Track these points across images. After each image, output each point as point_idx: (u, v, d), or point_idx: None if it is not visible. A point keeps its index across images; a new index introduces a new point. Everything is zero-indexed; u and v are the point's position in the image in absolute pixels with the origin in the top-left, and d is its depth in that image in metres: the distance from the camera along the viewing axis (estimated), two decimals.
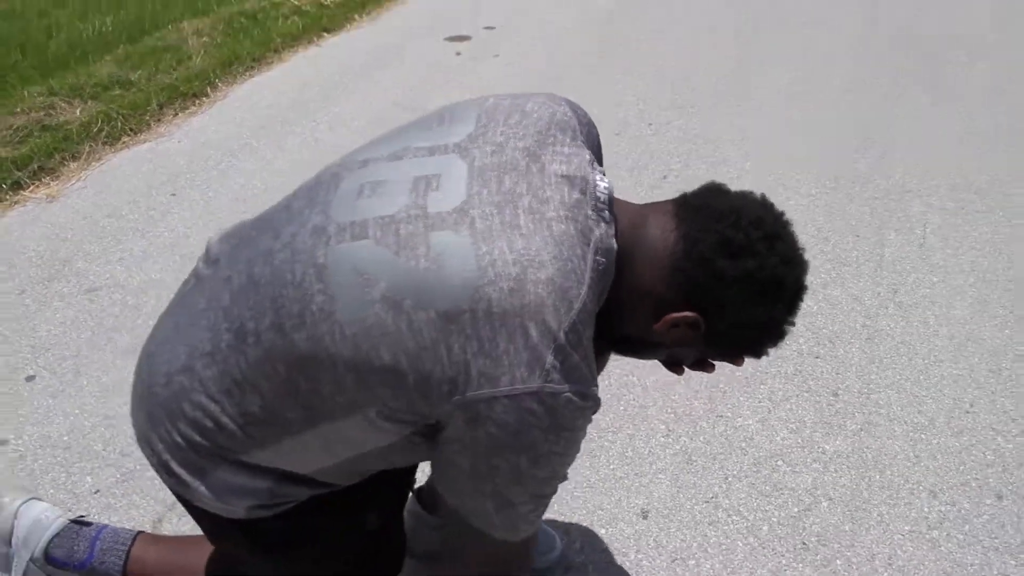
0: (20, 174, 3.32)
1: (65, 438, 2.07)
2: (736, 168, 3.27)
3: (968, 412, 2.11)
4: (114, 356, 2.35)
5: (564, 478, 1.00)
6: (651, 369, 2.22)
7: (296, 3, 5.23)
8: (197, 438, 1.01)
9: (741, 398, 2.16)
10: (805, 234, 2.49)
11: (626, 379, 2.22)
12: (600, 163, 1.07)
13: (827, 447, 2.01)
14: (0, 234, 3.00)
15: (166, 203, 3.14)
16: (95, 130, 3.65)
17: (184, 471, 1.03)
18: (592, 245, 0.93)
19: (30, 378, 2.28)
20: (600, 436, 2.04)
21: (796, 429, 2.07)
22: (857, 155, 3.38)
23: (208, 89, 4.13)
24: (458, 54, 4.56)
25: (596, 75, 4.25)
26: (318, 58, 4.56)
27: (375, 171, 1.00)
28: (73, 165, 3.45)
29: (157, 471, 1.08)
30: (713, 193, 1.01)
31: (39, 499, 1.61)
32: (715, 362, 1.13)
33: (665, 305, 0.99)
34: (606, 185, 0.98)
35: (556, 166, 0.97)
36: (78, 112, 3.79)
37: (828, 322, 2.42)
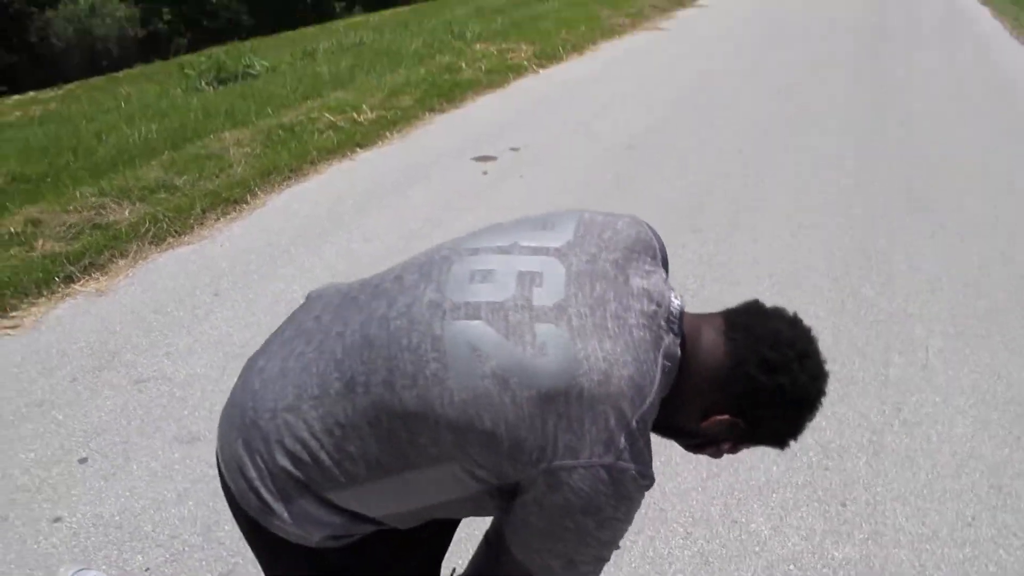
0: (72, 268, 3.52)
1: (117, 518, 2.20)
2: (749, 290, 3.46)
3: (970, 525, 2.23)
4: (162, 443, 2.49)
5: (618, 546, 1.14)
6: (670, 475, 2.36)
7: (331, 119, 5.53)
8: (292, 469, 1.15)
9: (755, 505, 2.29)
10: None
11: None
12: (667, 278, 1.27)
13: (836, 554, 2.13)
14: (52, 324, 3.18)
15: (209, 303, 3.32)
16: (142, 230, 3.87)
17: (271, 496, 1.17)
18: (662, 351, 1.10)
19: (83, 460, 2.42)
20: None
21: (807, 536, 2.19)
22: (861, 281, 3.57)
23: (248, 196, 4.37)
24: (484, 173, 4.82)
25: (614, 198, 4.49)
26: (352, 172, 4.82)
27: (485, 261, 1.17)
28: (121, 262, 3.65)
29: (240, 496, 1.20)
30: (754, 313, 1.19)
31: (92, 569, 1.73)
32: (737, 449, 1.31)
33: (711, 407, 1.16)
34: (679, 303, 1.16)
35: (638, 280, 1.15)
36: (127, 213, 4.02)
37: (836, 436, 2.56)
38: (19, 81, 25.09)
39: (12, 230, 3.82)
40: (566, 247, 1.17)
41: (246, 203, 4.33)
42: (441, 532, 1.39)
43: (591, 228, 1.21)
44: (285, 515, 1.18)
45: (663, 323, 1.12)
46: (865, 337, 3.12)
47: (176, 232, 3.94)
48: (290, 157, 4.85)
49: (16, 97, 20.22)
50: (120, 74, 22.17)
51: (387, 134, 5.48)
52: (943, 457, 2.48)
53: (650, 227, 1.27)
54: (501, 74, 7.19)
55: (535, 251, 1.17)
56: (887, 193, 4.65)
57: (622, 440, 1.05)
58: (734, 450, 1.26)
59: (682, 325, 1.14)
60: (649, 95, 6.90)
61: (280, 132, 5.29)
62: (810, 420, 1.20)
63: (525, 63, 7.68)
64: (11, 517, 2.20)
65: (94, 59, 27.17)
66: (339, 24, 25.89)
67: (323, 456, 1.14)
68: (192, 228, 4.01)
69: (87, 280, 3.51)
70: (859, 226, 4.17)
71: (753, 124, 6.03)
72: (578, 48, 8.72)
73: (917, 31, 11.14)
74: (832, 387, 2.68)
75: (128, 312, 3.26)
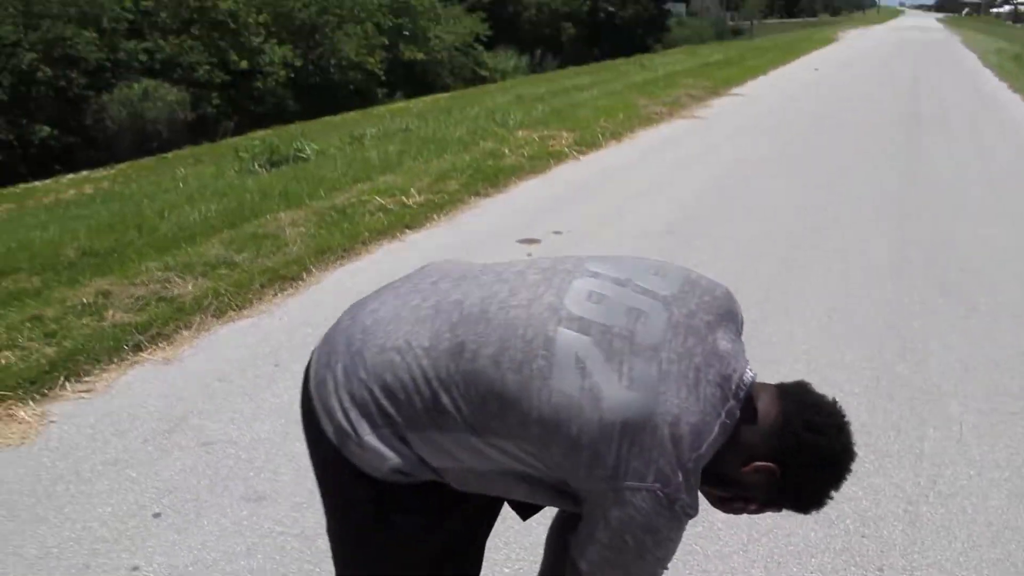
0: (140, 338, 3.73)
1: (190, 568, 2.34)
2: (787, 368, 3.58)
3: None
4: (231, 501, 2.64)
5: (666, 568, 1.31)
6: (713, 539, 2.47)
7: (381, 201, 5.79)
8: (384, 402, 1.33)
9: (794, 568, 2.38)
10: None
11: (690, 547, 2.45)
12: None
13: None
14: (123, 389, 3.37)
15: (270, 372, 3.50)
16: (205, 304, 4.08)
17: (356, 420, 1.34)
18: (725, 410, 1.29)
19: (156, 515, 2.57)
20: None
21: None
22: (895, 360, 3.68)
23: (304, 274, 4.59)
24: (529, 255, 5.01)
25: None
26: (402, 252, 5.04)
27: (602, 286, 1.35)
28: (186, 333, 3.86)
29: (325, 415, 1.38)
30: (803, 387, 1.41)
31: None
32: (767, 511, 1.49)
33: (755, 456, 1.34)
34: (751, 375, 1.35)
35: (723, 344, 1.34)
36: (190, 287, 4.24)
37: (872, 506, 2.65)
38: (73, 161, 26.08)
39: (84, 301, 4.04)
40: (671, 297, 1.36)
41: (302, 280, 4.54)
42: (489, 508, 1.55)
43: (695, 287, 1.41)
44: (364, 439, 1.35)
45: (733, 387, 1.30)
46: (900, 412, 3.22)
47: (237, 306, 4.14)
48: (343, 237, 5.08)
49: (70, 176, 20.97)
50: (169, 155, 22.94)
51: (435, 217, 5.72)
52: (978, 527, 2.57)
53: (738, 303, 1.48)
54: (543, 160, 7.46)
55: (645, 292, 1.35)
56: (920, 276, 4.77)
57: (680, 475, 1.23)
58: (758, 510, 1.43)
59: (748, 393, 1.33)
60: (686, 182, 7.11)
61: (333, 213, 5.54)
62: (834, 489, 1.38)
63: (566, 150, 7.96)
64: (92, 566, 2.35)
65: (144, 140, 28.10)
66: (381, 109, 26.62)
67: (417, 399, 1.32)
68: (252, 302, 4.21)
69: (154, 349, 3.71)
70: (892, 308, 4.29)
71: (787, 211, 6.20)
72: (617, 136, 9.01)
73: (948, 118, 11.34)
74: (868, 459, 2.81)
75: (194, 379, 3.44)
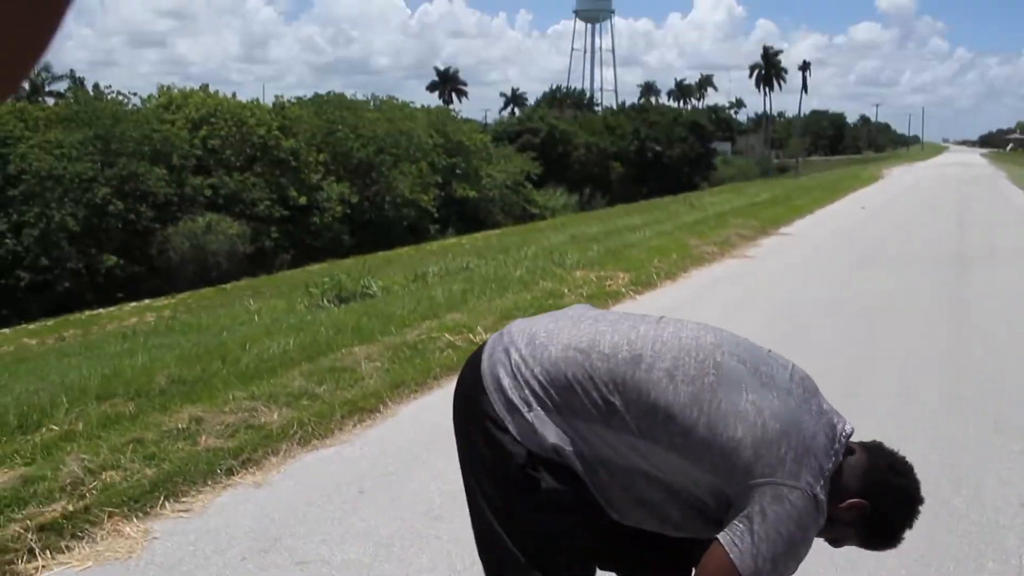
0: (232, 462, 4.00)
1: None
2: None
3: None
4: None
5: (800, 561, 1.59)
6: None
7: (449, 338, 6.10)
8: (559, 391, 1.63)
9: None
10: (907, 559, 2.93)
11: None
12: None
13: None
14: (218, 510, 3.62)
15: (355, 498, 3.74)
16: (290, 432, 4.36)
17: (529, 398, 1.65)
18: (834, 451, 1.63)
19: None
20: None
21: None
22: (951, 494, 3.81)
23: (381, 406, 4.87)
24: None
25: None
26: None
27: (739, 350, 1.73)
28: (274, 459, 4.13)
29: (494, 391, 1.70)
30: (880, 444, 1.81)
31: None
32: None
33: (849, 494, 1.65)
34: (851, 428, 1.71)
35: (825, 404, 1.71)
36: (275, 416, 4.53)
37: None
38: (136, 289, 27.13)
39: (179, 426, 4.34)
40: (787, 365, 1.75)
41: (379, 412, 4.81)
42: (617, 538, 1.83)
43: (796, 368, 1.78)
44: (531, 414, 1.65)
45: (838, 434, 1.67)
46: (958, 545, 3.35)
47: (320, 435, 4.42)
48: (415, 372, 5.38)
49: (133, 304, 21.84)
50: (228, 286, 23.80)
51: None
52: None
53: None
54: (600, 299, 7.77)
55: (767, 360, 1.74)
56: (974, 413, 4.90)
57: (822, 480, 1.57)
58: (846, 541, 1.76)
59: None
60: (739, 322, 7.35)
61: (405, 349, 5.85)
62: (909, 526, 1.74)
63: (622, 289, 8.28)
64: None
65: (205, 271, 29.23)
66: (434, 245, 27.42)
67: (595, 395, 1.62)
68: (333, 432, 4.49)
69: (245, 473, 3.97)
70: (946, 445, 4.43)
71: (838, 348, 6.39)
72: (671, 275, 9.33)
73: (996, 256, 11.50)
74: None
75: (284, 503, 3.69)
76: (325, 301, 8.80)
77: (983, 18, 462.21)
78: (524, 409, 1.66)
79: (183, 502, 3.68)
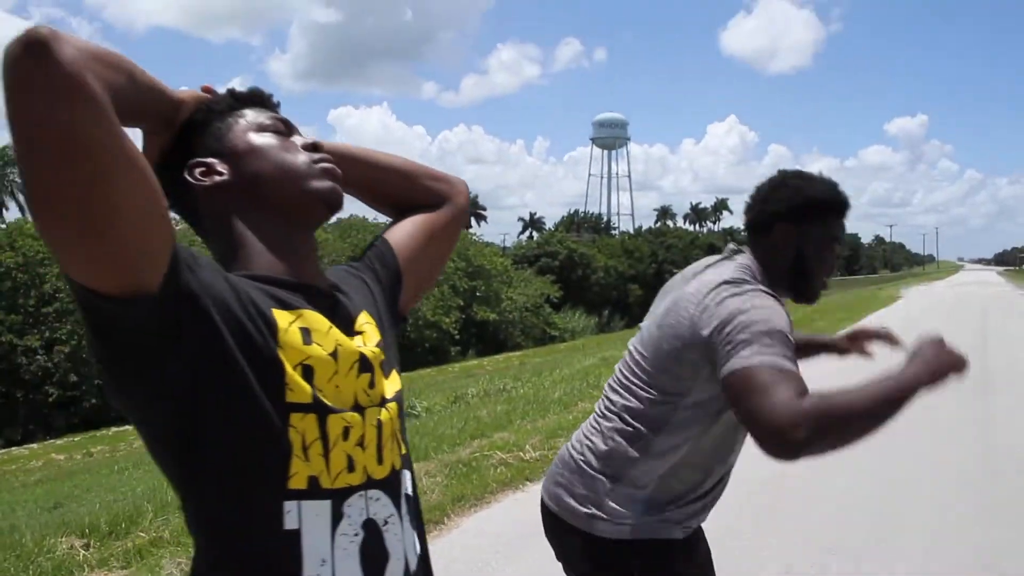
0: None
1: None
2: None
3: None
4: None
5: (782, 333, 1.79)
6: None
7: (501, 456, 6.44)
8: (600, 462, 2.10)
9: None
10: None
11: None
12: None
13: None
14: None
15: None
16: None
17: (590, 496, 2.06)
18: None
19: None
20: None
21: None
22: None
23: (444, 519, 5.19)
24: None
25: (754, 533, 5.13)
26: (526, 501, 5.61)
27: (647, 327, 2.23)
28: None
29: (570, 514, 2.09)
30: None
31: None
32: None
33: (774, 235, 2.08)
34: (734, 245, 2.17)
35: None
36: None
37: None
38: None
39: None
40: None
41: (443, 524, 5.14)
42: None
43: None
44: (606, 505, 2.01)
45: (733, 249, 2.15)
46: None
47: None
48: (473, 487, 5.71)
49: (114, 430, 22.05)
50: None
51: (544, 472, 6.31)
52: None
53: None
54: None
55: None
56: (1006, 520, 5.17)
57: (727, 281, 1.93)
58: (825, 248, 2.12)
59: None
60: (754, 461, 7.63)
61: (460, 466, 6.20)
62: (840, 193, 2.09)
63: None
64: None
65: None
66: (455, 367, 27.72)
67: (617, 434, 2.07)
68: None
69: None
70: (987, 552, 4.69)
71: (875, 471, 6.67)
72: None
73: (1019, 376, 11.75)
74: None
75: None
76: None
77: (990, 141, 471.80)
78: (601, 497, 2.11)
79: None
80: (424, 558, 1.34)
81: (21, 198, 56.75)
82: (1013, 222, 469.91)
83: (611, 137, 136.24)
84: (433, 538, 4.92)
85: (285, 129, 1.32)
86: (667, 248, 69.62)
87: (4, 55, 0.89)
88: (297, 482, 1.12)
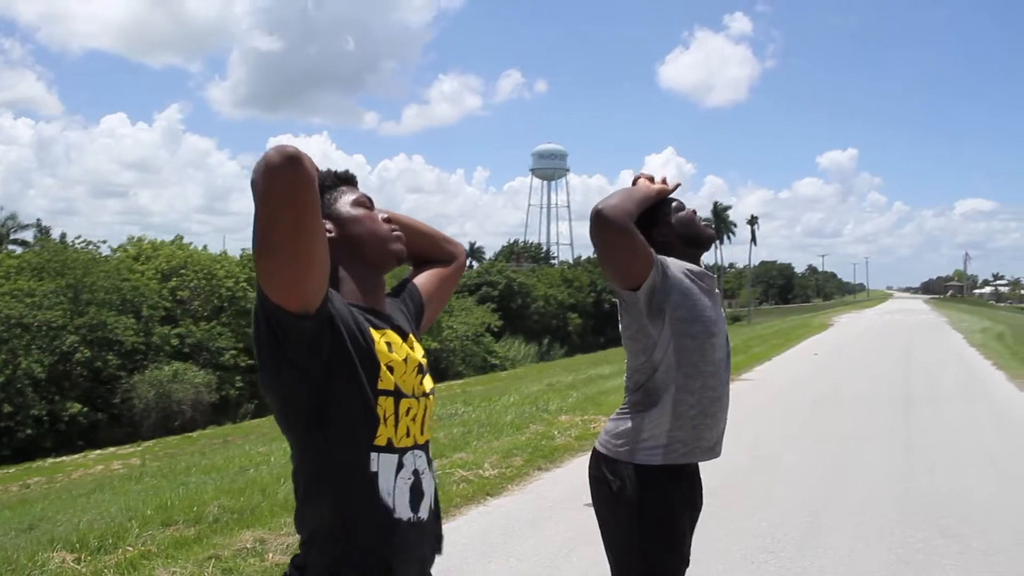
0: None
1: None
2: None
3: None
4: None
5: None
6: None
7: (463, 473, 6.84)
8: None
9: None
10: None
11: None
12: None
13: None
14: None
15: None
16: None
17: None
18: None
19: None
20: None
21: None
22: None
23: None
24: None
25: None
26: (488, 514, 6.01)
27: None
28: None
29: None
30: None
31: None
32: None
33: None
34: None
35: None
36: None
37: None
38: (96, 438, 26.97)
39: (246, 546, 5.01)
40: None
41: None
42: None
43: None
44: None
45: None
46: None
47: None
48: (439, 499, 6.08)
49: (97, 452, 21.78)
50: (194, 434, 23.88)
51: (508, 486, 6.73)
52: None
53: None
54: (589, 440, 8.54)
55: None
56: (924, 523, 5.72)
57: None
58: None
59: None
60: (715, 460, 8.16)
61: None
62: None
63: None
64: None
65: (168, 419, 29.08)
66: None
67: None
68: None
69: None
70: (904, 549, 5.21)
71: (804, 474, 7.22)
72: None
73: (938, 394, 12.51)
74: None
75: None
76: None
77: (917, 175, 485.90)
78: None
79: None
80: (436, 500, 1.93)
81: None
82: (938, 253, 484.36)
83: (551, 168, 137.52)
84: None
85: (370, 204, 1.95)
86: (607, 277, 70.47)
87: (268, 161, 1.51)
88: (380, 441, 1.75)
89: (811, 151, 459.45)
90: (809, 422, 10.28)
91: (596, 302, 67.91)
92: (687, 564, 2.77)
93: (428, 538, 1.87)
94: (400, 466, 1.77)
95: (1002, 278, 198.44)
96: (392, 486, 1.74)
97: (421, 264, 2.24)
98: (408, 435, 1.80)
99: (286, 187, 1.51)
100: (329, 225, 1.85)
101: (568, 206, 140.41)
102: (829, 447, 8.61)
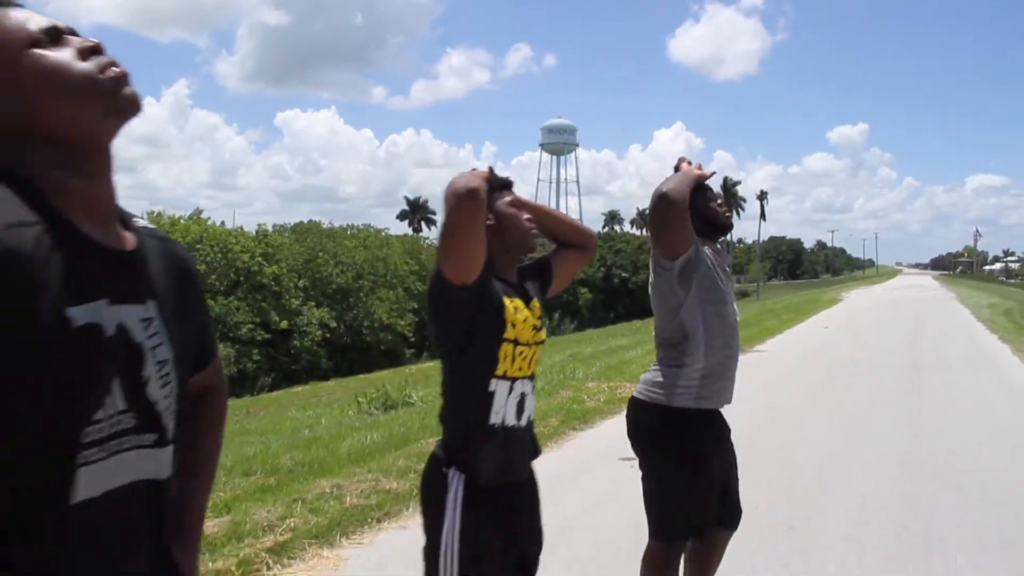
0: (378, 513, 5.31)
1: None
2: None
3: None
4: None
5: None
6: None
7: None
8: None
9: None
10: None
11: None
12: None
13: None
14: (382, 542, 4.92)
15: None
16: (413, 494, 5.68)
17: None
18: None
19: None
20: None
21: None
22: (912, 529, 5.20)
23: None
24: (632, 467, 6.61)
25: None
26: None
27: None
28: (406, 512, 5.43)
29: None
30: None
31: None
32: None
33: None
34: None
35: None
36: (395, 483, 5.87)
37: None
38: None
39: (325, 491, 5.65)
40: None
41: None
42: None
43: None
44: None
45: None
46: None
47: None
48: None
49: None
50: None
51: (547, 444, 7.36)
52: None
53: None
54: (617, 404, 9.16)
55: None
56: (930, 478, 6.33)
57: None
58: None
59: None
60: (733, 422, 8.77)
61: None
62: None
63: None
64: None
65: None
66: (412, 368, 28.53)
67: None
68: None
69: (389, 520, 5.28)
70: (908, 502, 5.83)
71: (822, 438, 7.83)
72: None
73: (946, 366, 13.08)
74: None
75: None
76: (372, 409, 10.13)
77: (928, 150, 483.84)
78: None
79: (354, 539, 4.98)
80: (532, 415, 2.62)
81: None
82: (948, 228, 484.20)
83: (560, 143, 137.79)
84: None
85: (520, 204, 2.65)
86: (616, 252, 71.05)
87: (458, 194, 2.23)
88: (499, 372, 2.47)
89: (821, 126, 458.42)
90: (821, 389, 10.88)
91: (606, 277, 68.46)
92: (717, 497, 3.40)
93: (527, 440, 2.62)
94: (511, 389, 2.48)
95: (1013, 254, 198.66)
96: (504, 401, 2.47)
97: (560, 246, 2.90)
98: (519, 369, 2.51)
99: (469, 215, 2.26)
100: (491, 216, 2.52)
101: (577, 181, 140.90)
102: (841, 410, 9.22)
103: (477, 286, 2.37)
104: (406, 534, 5.08)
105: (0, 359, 1.10)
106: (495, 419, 2.45)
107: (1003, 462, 6.89)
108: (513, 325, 2.46)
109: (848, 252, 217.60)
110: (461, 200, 2.22)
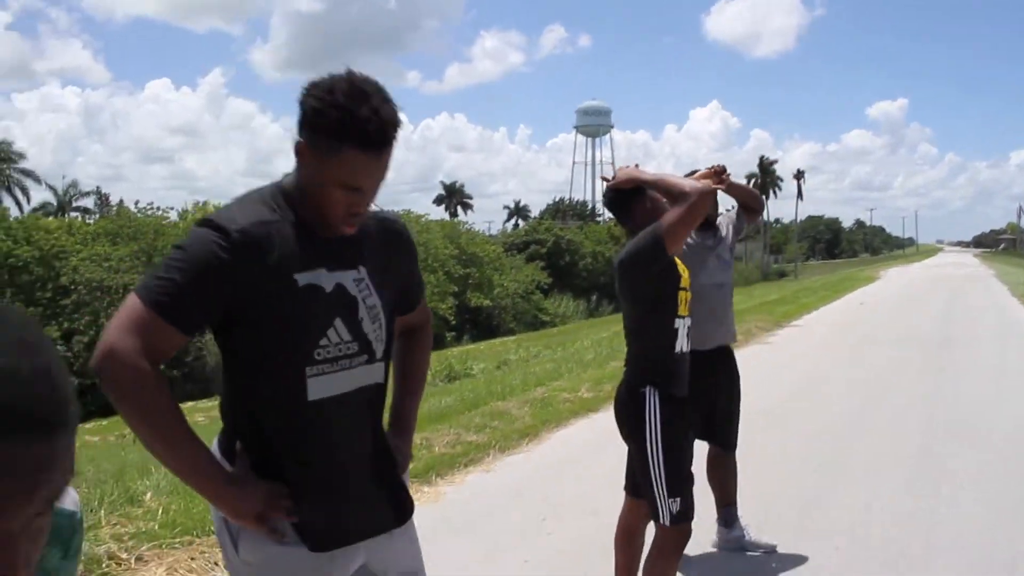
0: (463, 460, 6.21)
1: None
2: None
3: None
4: (575, 514, 5.04)
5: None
6: None
7: (565, 396, 8.35)
8: None
9: None
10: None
11: None
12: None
13: None
14: (470, 483, 5.81)
15: (544, 478, 5.94)
16: (493, 444, 6.57)
17: None
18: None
19: (543, 520, 4.96)
20: None
21: None
22: (933, 487, 6.00)
23: (536, 434, 7.08)
24: None
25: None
26: (591, 425, 7.52)
27: None
28: (487, 460, 6.32)
29: None
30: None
31: None
32: None
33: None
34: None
35: None
36: (475, 437, 6.76)
37: None
38: (172, 393, 28.54)
39: (416, 442, 6.52)
40: None
41: (537, 437, 7.02)
42: None
43: None
44: None
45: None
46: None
47: (509, 447, 6.63)
48: (551, 414, 7.61)
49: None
50: None
51: (603, 406, 8.20)
52: None
53: None
54: None
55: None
56: (945, 437, 7.10)
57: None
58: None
59: None
60: (768, 389, 9.59)
61: (537, 402, 8.10)
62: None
63: None
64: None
65: None
66: (454, 351, 29.26)
67: None
68: (517, 446, 6.70)
69: (474, 466, 6.18)
70: (922, 473, 6.62)
71: (849, 402, 8.62)
72: None
73: (975, 337, 13.72)
74: None
75: (504, 481, 5.88)
76: (437, 381, 11.04)
77: (969, 125, 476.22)
78: None
79: (446, 479, 5.88)
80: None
81: (18, 193, 57.73)
82: (991, 205, 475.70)
83: (595, 125, 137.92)
84: (533, 445, 6.83)
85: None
86: None
87: (697, 190, 3.03)
88: (681, 312, 3.21)
89: (860, 102, 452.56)
90: (849, 362, 11.62)
91: None
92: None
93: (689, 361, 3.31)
94: (684, 325, 3.23)
95: None
96: (684, 341, 3.20)
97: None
98: (685, 310, 3.21)
99: (705, 208, 3.10)
100: (648, 201, 3.29)
101: (612, 163, 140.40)
102: (865, 385, 9.98)
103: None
104: (489, 476, 5.99)
105: (257, 306, 1.71)
106: (678, 348, 3.18)
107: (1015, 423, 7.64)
108: (681, 279, 3.19)
109: (888, 231, 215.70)
110: (704, 197, 3.00)
